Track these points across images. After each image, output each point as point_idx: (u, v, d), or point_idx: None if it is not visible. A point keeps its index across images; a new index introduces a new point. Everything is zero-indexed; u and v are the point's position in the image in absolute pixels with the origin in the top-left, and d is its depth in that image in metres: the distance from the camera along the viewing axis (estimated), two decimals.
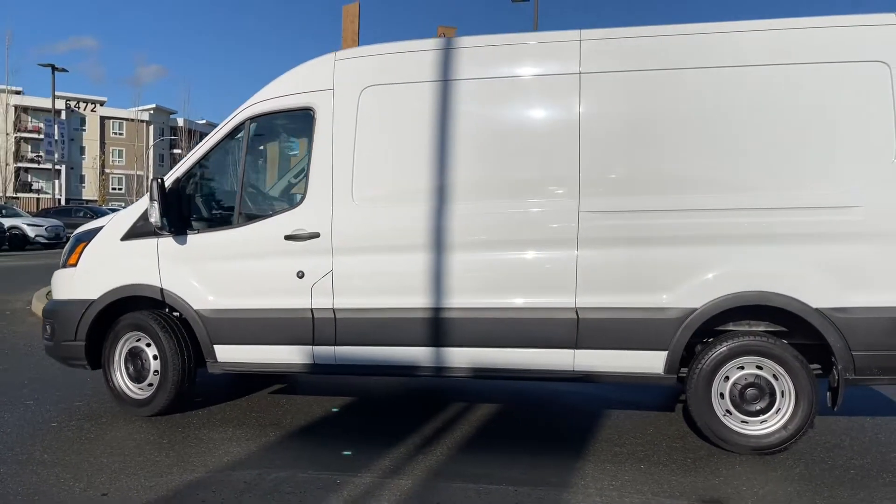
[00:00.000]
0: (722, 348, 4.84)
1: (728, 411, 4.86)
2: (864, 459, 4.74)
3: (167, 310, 5.66)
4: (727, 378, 4.87)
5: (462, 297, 5.09)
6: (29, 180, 75.48)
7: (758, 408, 4.82)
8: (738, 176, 4.82)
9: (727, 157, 4.82)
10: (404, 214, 5.14)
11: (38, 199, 63.68)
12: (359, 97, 5.26)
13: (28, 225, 27.95)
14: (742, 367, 4.85)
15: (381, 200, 5.23)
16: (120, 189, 79.11)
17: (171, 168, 5.63)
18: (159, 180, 5.35)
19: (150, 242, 5.54)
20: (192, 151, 5.62)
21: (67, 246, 5.91)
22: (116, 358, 5.67)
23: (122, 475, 4.34)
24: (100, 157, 78.61)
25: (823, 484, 4.31)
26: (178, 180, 5.55)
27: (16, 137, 72.22)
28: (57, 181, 64.77)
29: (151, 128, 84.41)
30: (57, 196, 60.64)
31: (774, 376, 4.81)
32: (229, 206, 5.63)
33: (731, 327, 5.03)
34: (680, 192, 4.85)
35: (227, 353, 5.49)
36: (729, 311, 4.84)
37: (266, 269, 5.35)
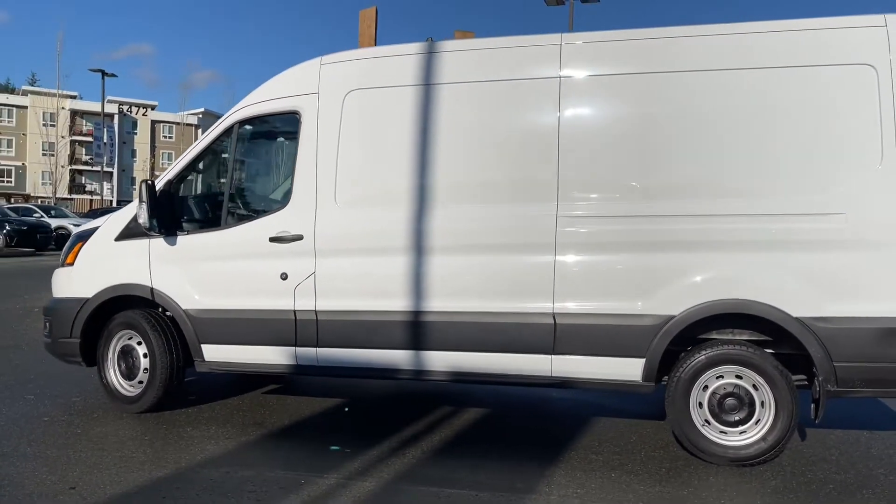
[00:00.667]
0: (700, 357, 4.75)
1: (707, 421, 4.76)
2: (847, 474, 4.59)
3: (160, 309, 5.78)
4: (706, 387, 4.77)
5: (441, 301, 5.09)
6: (83, 182, 77.82)
7: (737, 418, 4.72)
8: (718, 182, 4.73)
9: (708, 163, 4.74)
10: (384, 217, 5.17)
11: (90, 200, 65.67)
12: (343, 101, 5.31)
13: (74, 225, 28.76)
14: (721, 377, 4.75)
15: (361, 203, 5.26)
16: None
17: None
18: (148, 182, 5.47)
19: (142, 243, 5.67)
20: (184, 154, 5.75)
21: (67, 245, 6.08)
22: (110, 355, 5.81)
23: (96, 470, 4.44)
24: (150, 160, 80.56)
25: (796, 499, 4.19)
26: (169, 182, 5.68)
27: (71, 140, 74.66)
28: (108, 183, 66.71)
29: (199, 131, 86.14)
30: (108, 198, 62.46)
31: (754, 386, 4.69)
32: (218, 207, 5.74)
33: (714, 336, 4.94)
34: (659, 198, 4.78)
35: (214, 353, 5.58)
36: (709, 319, 4.75)
37: (251, 271, 5.43)
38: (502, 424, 5.71)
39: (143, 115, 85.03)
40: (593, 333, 4.87)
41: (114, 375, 5.80)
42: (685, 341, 4.89)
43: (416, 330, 5.14)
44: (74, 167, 76.13)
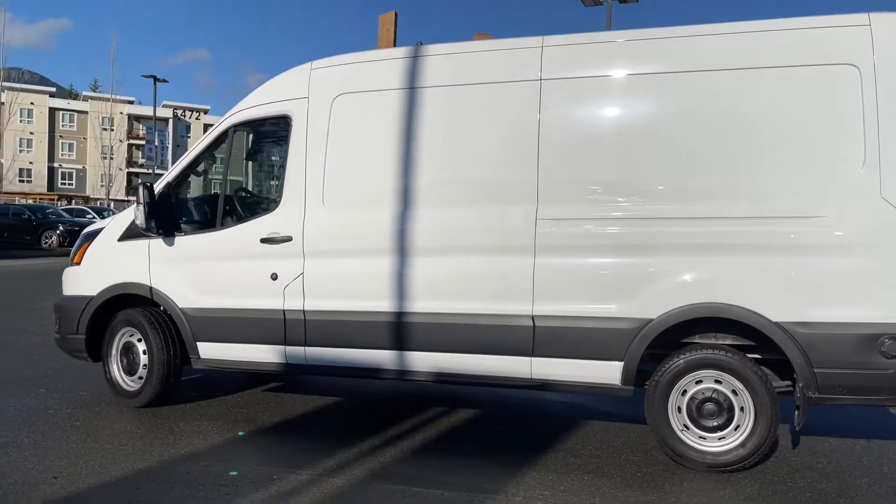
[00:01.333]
0: (679, 361, 4.70)
1: (685, 426, 4.71)
2: (829, 483, 4.49)
3: (161, 308, 5.96)
4: (685, 392, 4.72)
5: (423, 302, 5.14)
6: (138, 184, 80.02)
7: (715, 423, 4.65)
8: (697, 184, 4.67)
9: (687, 165, 4.69)
10: (367, 219, 5.25)
11: None
12: (331, 105, 5.41)
13: None
14: (700, 381, 4.69)
15: (347, 205, 5.35)
16: None
17: None
18: (147, 184, 5.66)
19: (143, 243, 5.86)
20: (183, 156, 5.93)
21: (76, 245, 6.32)
22: (113, 352, 6.02)
23: (82, 461, 4.61)
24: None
25: None
26: (168, 185, 5.86)
27: (128, 144, 76.99)
28: None
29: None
30: None
31: (734, 391, 4.62)
32: (213, 209, 5.90)
33: (697, 340, 4.88)
34: (637, 201, 4.75)
35: (209, 351, 5.74)
36: (689, 322, 4.70)
37: (243, 271, 5.57)
38: (491, 425, 5.72)
39: (197, 118, 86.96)
40: (572, 336, 4.86)
41: (116, 371, 6.01)
42: (670, 345, 4.85)
43: (399, 330, 5.20)
44: (130, 170, 78.38)
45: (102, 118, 65.18)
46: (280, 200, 5.53)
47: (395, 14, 10.69)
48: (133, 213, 5.95)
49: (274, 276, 5.46)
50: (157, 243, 5.81)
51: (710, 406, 4.67)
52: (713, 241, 4.58)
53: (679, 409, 4.73)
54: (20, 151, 71.19)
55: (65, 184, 78.57)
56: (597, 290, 4.81)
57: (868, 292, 4.37)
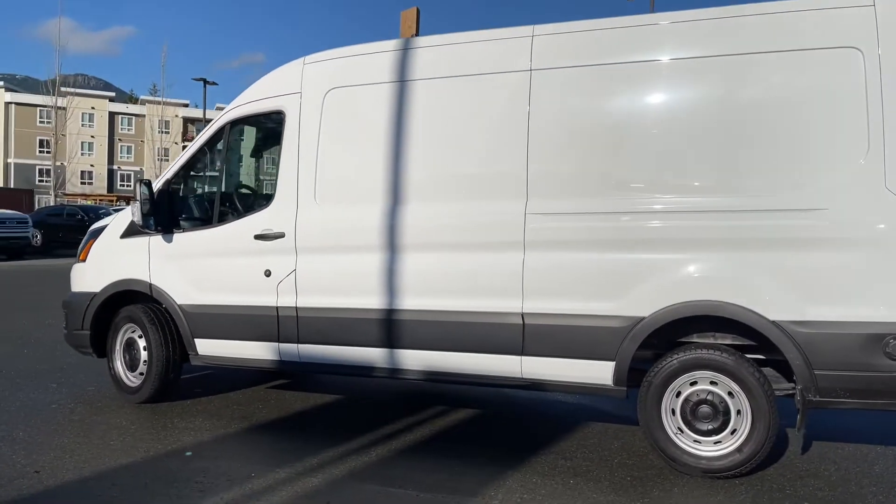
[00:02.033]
0: (672, 361, 4.49)
1: (680, 429, 4.50)
2: (834, 492, 4.23)
3: (160, 305, 5.99)
4: (679, 393, 4.51)
5: (412, 299, 5.04)
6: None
7: (711, 427, 4.43)
8: (691, 177, 4.47)
9: (680, 157, 4.48)
10: (357, 215, 5.17)
11: None
12: (323, 100, 5.35)
13: None
14: (695, 383, 4.48)
15: (338, 201, 5.28)
16: None
17: None
18: (145, 181, 5.69)
19: (143, 240, 5.90)
20: (182, 154, 5.95)
21: (83, 242, 6.40)
22: (117, 347, 6.08)
23: (68, 455, 4.65)
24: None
25: None
26: (167, 182, 5.89)
27: (182, 146, 78.87)
28: None
29: None
30: None
31: (730, 394, 4.40)
32: (210, 205, 5.90)
33: (695, 339, 4.67)
34: (629, 194, 4.56)
35: (207, 347, 5.75)
36: (683, 321, 4.49)
37: (238, 268, 5.55)
38: (489, 426, 5.58)
39: None
40: (562, 334, 4.69)
41: (120, 366, 6.07)
42: (668, 345, 4.65)
43: (390, 328, 5.11)
44: None
45: (158, 121, 66.92)
46: (274, 196, 5.50)
47: (417, 10, 10.60)
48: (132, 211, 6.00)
49: (268, 273, 5.43)
50: (157, 240, 5.84)
51: (705, 409, 4.45)
52: (707, 236, 4.37)
53: (673, 411, 4.52)
54: (81, 154, 73.50)
55: (123, 185, 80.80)
56: (587, 286, 4.63)
57: (872, 289, 4.10)
